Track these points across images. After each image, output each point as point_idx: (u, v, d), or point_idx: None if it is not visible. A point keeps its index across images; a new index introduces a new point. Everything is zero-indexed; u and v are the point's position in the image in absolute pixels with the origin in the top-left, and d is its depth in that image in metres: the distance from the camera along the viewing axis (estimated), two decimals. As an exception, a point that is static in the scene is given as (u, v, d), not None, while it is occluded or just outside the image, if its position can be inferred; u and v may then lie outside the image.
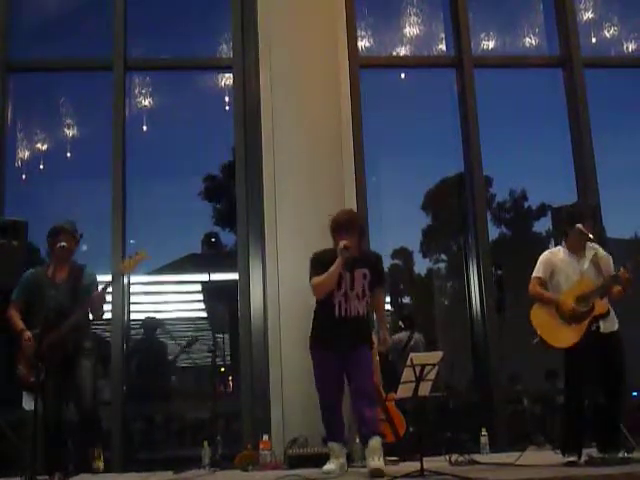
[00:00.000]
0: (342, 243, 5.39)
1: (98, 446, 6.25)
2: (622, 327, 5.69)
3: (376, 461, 5.20)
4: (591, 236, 5.65)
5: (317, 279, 5.48)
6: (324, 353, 5.52)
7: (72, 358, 5.84)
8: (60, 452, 5.84)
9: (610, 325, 5.60)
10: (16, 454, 6.32)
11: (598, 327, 5.53)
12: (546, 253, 5.89)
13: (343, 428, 5.71)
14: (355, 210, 5.78)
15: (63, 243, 5.97)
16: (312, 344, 5.65)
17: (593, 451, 5.58)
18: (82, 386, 5.81)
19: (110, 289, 6.29)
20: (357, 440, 5.89)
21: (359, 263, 5.57)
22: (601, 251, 5.76)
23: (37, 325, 5.71)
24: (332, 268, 5.41)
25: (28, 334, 5.75)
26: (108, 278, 6.21)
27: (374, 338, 7.13)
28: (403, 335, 8.00)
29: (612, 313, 5.64)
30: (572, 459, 5.42)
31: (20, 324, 5.84)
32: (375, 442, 5.30)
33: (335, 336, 5.47)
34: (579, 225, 5.65)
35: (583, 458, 5.45)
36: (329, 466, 5.49)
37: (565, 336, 5.56)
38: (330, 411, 5.59)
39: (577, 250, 5.73)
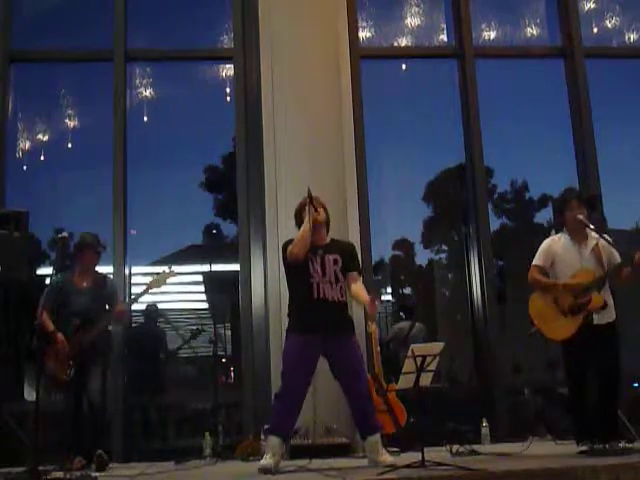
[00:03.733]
0: (311, 207, 5.33)
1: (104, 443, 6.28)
2: (628, 320, 5.66)
3: (387, 456, 5.26)
4: (583, 220, 5.61)
5: (292, 243, 5.34)
6: (301, 336, 5.29)
7: (90, 358, 6.13)
8: (80, 439, 6.07)
9: (606, 316, 5.56)
10: (19, 444, 6.37)
11: (592, 319, 5.53)
12: (547, 241, 5.86)
13: (293, 424, 5.39)
14: None
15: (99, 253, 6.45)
16: (290, 326, 5.44)
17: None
18: (94, 383, 6.07)
19: (136, 303, 6.63)
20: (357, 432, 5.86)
21: (329, 249, 5.43)
22: (602, 240, 5.72)
23: (63, 327, 6.13)
24: (303, 225, 5.33)
25: (61, 336, 6.07)
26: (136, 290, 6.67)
27: (373, 326, 7.18)
28: (404, 324, 8.00)
29: (611, 304, 5.60)
30: (584, 448, 5.43)
31: (51, 326, 6.11)
32: (378, 437, 5.34)
33: (315, 318, 5.27)
34: (580, 216, 5.64)
35: (581, 447, 5.47)
36: (266, 461, 5.10)
37: (561, 328, 5.54)
38: (290, 400, 5.23)
39: (578, 238, 5.70)
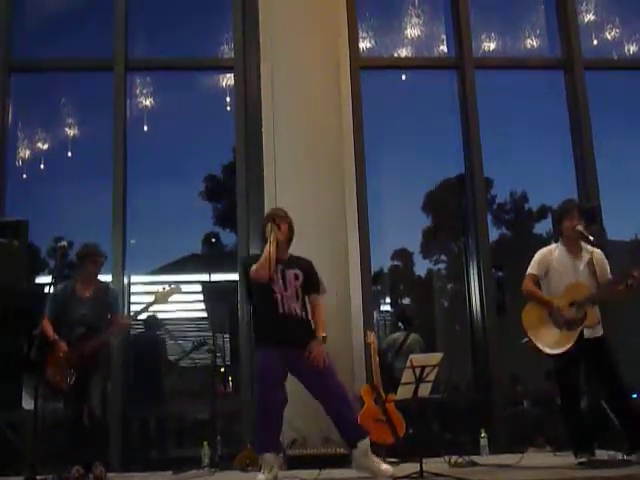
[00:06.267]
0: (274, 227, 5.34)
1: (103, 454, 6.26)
2: (623, 332, 5.66)
3: (381, 463, 5.27)
4: (582, 231, 5.63)
5: (256, 264, 5.28)
6: (270, 350, 5.26)
7: (91, 367, 6.10)
8: (78, 449, 6.02)
9: (595, 331, 5.58)
10: (16, 454, 6.35)
11: (582, 333, 5.53)
12: (543, 250, 5.88)
13: (279, 435, 5.43)
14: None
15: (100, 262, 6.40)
16: (258, 342, 5.43)
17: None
18: (94, 393, 6.04)
19: (138, 317, 6.63)
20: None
21: (289, 264, 5.43)
22: (597, 253, 5.73)
23: (66, 336, 6.13)
24: (266, 246, 5.28)
25: (63, 344, 6.07)
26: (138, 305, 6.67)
27: (372, 337, 7.16)
28: (398, 335, 7.98)
29: (599, 320, 5.62)
30: (583, 460, 5.42)
31: (53, 334, 6.11)
32: (367, 443, 5.29)
33: (282, 332, 5.26)
34: (579, 227, 5.66)
35: (580, 459, 5.47)
36: (264, 477, 5.16)
37: (556, 342, 5.54)
38: (271, 415, 5.26)
39: (573, 250, 5.72)
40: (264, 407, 5.26)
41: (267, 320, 5.37)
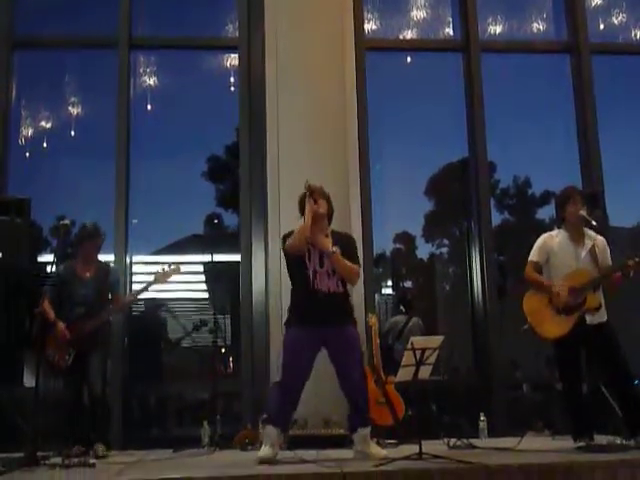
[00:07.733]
0: (311, 200, 5.32)
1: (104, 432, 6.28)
2: (623, 318, 5.66)
3: (379, 448, 5.34)
4: (585, 216, 5.63)
5: (291, 237, 5.35)
6: (300, 329, 5.30)
7: (91, 347, 6.17)
8: (78, 428, 6.11)
9: (598, 317, 5.58)
10: (17, 430, 6.38)
11: (585, 319, 5.53)
12: (544, 236, 5.87)
13: (292, 415, 5.48)
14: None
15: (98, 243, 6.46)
16: (288, 319, 5.46)
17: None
18: (94, 372, 6.12)
19: (138, 297, 6.72)
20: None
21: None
22: (600, 241, 5.72)
23: (66, 316, 6.19)
24: (303, 219, 5.30)
25: (61, 325, 6.13)
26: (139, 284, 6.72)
27: (374, 319, 7.17)
28: (400, 318, 7.97)
29: (602, 306, 5.62)
30: (582, 444, 5.44)
31: (53, 315, 6.15)
32: (368, 430, 5.36)
33: (311, 309, 5.27)
34: (582, 212, 5.65)
35: (579, 444, 5.49)
36: (265, 451, 5.20)
37: (555, 327, 5.56)
38: (288, 394, 5.27)
39: (575, 236, 5.71)
40: (283, 382, 5.28)
41: (299, 297, 5.43)
